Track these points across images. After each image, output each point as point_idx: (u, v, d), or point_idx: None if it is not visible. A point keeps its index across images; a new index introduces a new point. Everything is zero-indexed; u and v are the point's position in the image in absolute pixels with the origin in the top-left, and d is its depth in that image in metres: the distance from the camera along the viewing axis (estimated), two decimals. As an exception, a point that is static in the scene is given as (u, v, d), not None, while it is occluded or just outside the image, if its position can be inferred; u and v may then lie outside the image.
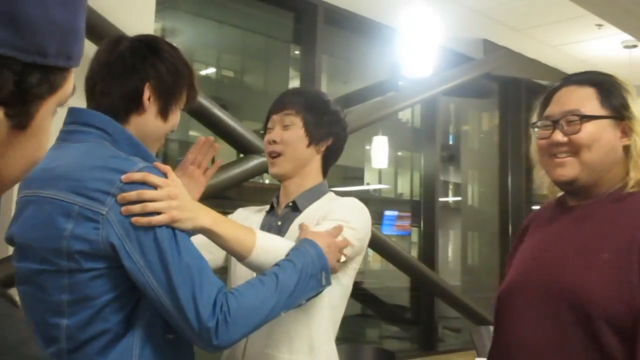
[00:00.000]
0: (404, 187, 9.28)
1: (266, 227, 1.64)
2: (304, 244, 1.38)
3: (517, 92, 5.69)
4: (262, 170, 3.51)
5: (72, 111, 1.29)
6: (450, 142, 6.94)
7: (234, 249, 1.33)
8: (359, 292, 5.62)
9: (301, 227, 1.47)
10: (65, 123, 1.29)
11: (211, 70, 4.92)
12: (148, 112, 1.31)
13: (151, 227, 1.16)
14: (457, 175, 6.47)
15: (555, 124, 1.37)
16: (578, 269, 1.30)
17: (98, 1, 2.59)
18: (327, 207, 1.59)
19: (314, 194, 1.64)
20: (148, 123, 1.32)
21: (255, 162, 3.38)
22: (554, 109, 1.40)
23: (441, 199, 6.07)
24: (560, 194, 1.48)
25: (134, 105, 1.30)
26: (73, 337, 1.18)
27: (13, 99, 0.45)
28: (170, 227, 1.19)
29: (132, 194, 1.15)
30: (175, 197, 1.20)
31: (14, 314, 0.46)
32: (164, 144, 1.50)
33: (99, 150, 1.23)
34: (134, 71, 1.30)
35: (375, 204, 7.44)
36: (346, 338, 5.27)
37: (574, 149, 1.35)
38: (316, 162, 1.65)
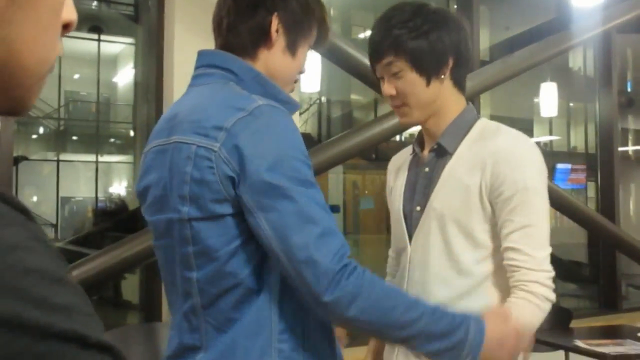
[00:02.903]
0: (577, 139, 8.73)
1: (414, 177, 1.48)
2: (471, 319, 1.15)
3: None
4: (399, 130, 3.37)
5: (199, 54, 1.25)
6: (629, 89, 6.37)
7: None
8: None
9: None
10: (195, 68, 1.25)
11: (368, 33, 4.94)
12: (276, 47, 1.23)
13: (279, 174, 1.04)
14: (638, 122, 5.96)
15: None
16: None
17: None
18: (490, 153, 1.34)
19: (461, 128, 1.41)
20: (276, 59, 1.23)
21: (392, 122, 3.29)
22: None
23: (620, 149, 5.63)
24: None
25: (262, 38, 1.22)
26: (205, 291, 1.11)
27: None
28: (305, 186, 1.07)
29: None
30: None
31: (14, 217, 0.41)
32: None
33: (221, 90, 1.17)
34: (262, 2, 1.22)
35: (546, 157, 7.08)
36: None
37: None
38: (447, 89, 1.40)
